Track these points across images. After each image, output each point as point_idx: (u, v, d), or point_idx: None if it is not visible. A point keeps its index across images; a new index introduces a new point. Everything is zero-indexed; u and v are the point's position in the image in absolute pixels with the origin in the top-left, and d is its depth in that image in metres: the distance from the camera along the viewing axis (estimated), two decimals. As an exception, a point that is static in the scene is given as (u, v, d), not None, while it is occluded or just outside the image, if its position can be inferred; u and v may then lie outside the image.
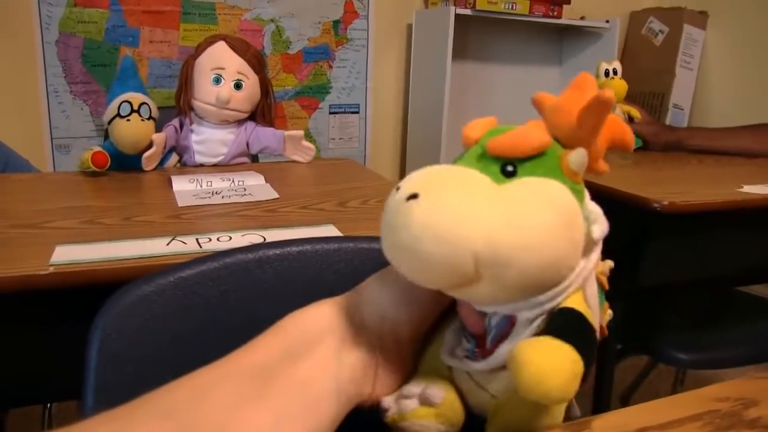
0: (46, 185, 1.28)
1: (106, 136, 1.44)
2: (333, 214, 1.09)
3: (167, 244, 0.91)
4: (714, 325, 1.59)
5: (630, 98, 1.92)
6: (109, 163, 1.33)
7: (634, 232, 1.30)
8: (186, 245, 0.91)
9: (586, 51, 2.87)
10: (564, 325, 0.40)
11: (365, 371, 0.44)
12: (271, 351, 0.42)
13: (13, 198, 1.17)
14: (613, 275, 0.47)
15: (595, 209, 0.43)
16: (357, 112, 2.65)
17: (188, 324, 0.58)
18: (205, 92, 1.42)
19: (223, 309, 0.60)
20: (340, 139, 2.63)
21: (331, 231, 0.98)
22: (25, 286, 0.80)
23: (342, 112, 2.63)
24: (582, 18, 2.75)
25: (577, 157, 0.43)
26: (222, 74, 1.42)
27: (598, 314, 0.44)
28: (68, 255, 0.86)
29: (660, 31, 2.95)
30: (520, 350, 0.37)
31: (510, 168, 0.42)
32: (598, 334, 0.43)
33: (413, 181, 0.41)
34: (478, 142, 0.45)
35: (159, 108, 1.43)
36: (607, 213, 0.44)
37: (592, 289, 0.44)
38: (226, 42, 1.43)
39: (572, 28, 2.81)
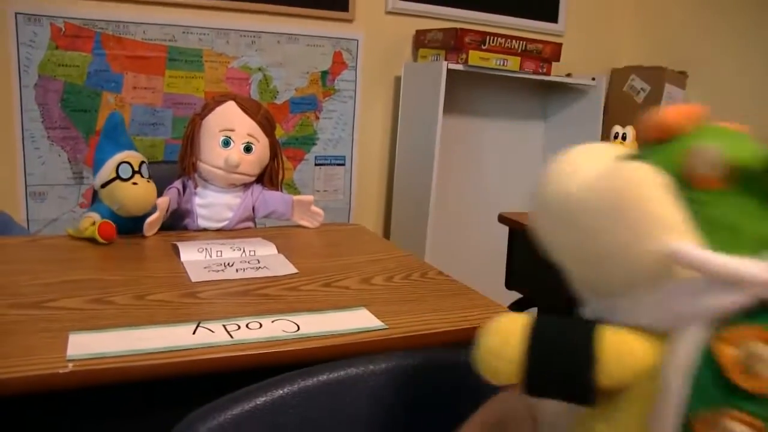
0: (42, 252, 1.19)
1: (93, 199, 1.35)
2: (360, 294, 1.02)
3: (193, 333, 0.84)
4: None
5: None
6: (116, 235, 1.24)
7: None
8: (214, 334, 0.83)
9: (572, 107, 2.87)
10: (556, 326, 0.36)
11: None
12: None
13: (9, 268, 1.07)
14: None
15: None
16: (343, 164, 2.59)
17: (266, 460, 0.51)
18: (213, 155, 1.34)
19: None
20: (325, 191, 2.57)
21: (365, 316, 0.92)
22: (41, 387, 0.71)
23: (328, 164, 2.56)
24: (568, 75, 2.75)
25: (702, 153, 0.35)
26: (231, 136, 1.34)
27: (676, 391, 0.32)
28: (85, 347, 0.78)
29: (641, 89, 2.96)
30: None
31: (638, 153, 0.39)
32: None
33: None
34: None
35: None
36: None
37: (685, 355, 0.32)
38: (237, 102, 1.35)
39: (559, 84, 2.80)
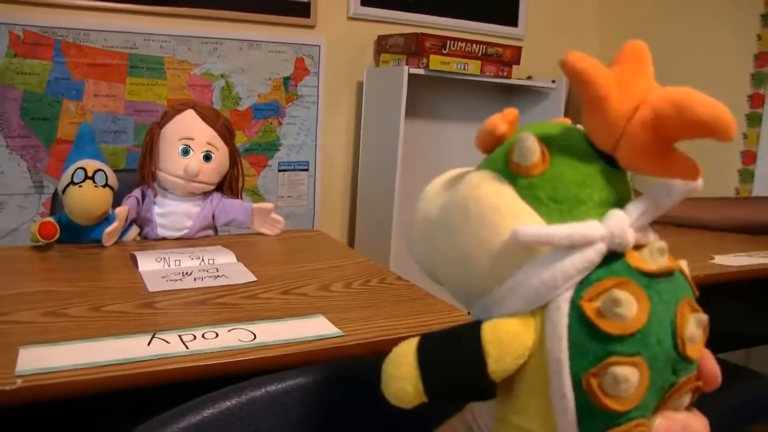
0: (-5, 263, 1.17)
1: (53, 208, 1.35)
2: (318, 301, 1.02)
3: (148, 344, 0.83)
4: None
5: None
6: (57, 234, 1.23)
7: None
8: (169, 345, 0.83)
9: (533, 109, 2.89)
10: (444, 334, 0.38)
11: None
12: None
13: (-39, 282, 1.06)
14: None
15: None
16: (306, 170, 2.59)
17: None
18: (172, 164, 1.33)
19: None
20: (289, 197, 2.56)
21: (322, 323, 0.92)
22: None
23: (291, 170, 2.56)
24: (529, 78, 2.77)
25: (517, 145, 0.38)
26: (191, 145, 1.34)
27: (562, 357, 0.34)
28: (36, 361, 0.76)
29: (601, 90, 3.00)
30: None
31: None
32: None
33: None
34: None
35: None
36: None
37: (559, 322, 0.35)
38: (195, 110, 1.35)
39: (520, 87, 2.83)
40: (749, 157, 2.50)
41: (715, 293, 1.35)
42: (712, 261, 1.38)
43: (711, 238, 1.65)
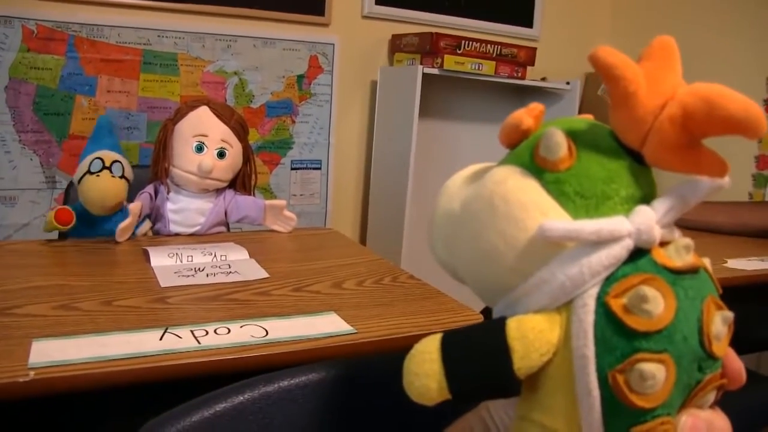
0: (8, 257, 1.17)
1: (66, 201, 1.35)
2: (330, 299, 1.02)
3: (160, 339, 0.83)
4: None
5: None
6: (74, 221, 1.24)
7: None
8: (181, 340, 0.83)
9: (547, 111, 2.79)
10: (467, 330, 0.38)
11: None
12: None
13: (-26, 274, 1.06)
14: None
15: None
16: (319, 169, 2.59)
17: (225, 468, 0.50)
18: (186, 160, 1.33)
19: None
20: (301, 195, 2.56)
21: (335, 321, 0.91)
22: (0, 395, 0.70)
23: (304, 168, 2.56)
24: (543, 79, 2.76)
25: (544, 140, 0.38)
26: (205, 142, 1.34)
27: (588, 353, 0.34)
28: (48, 354, 0.76)
29: (615, 93, 2.99)
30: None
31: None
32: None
33: None
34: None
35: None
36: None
37: (585, 318, 0.34)
38: (210, 107, 1.35)
39: (534, 88, 2.82)
40: (763, 162, 2.48)
41: (727, 297, 1.36)
42: (725, 264, 1.37)
43: (724, 242, 1.64)
